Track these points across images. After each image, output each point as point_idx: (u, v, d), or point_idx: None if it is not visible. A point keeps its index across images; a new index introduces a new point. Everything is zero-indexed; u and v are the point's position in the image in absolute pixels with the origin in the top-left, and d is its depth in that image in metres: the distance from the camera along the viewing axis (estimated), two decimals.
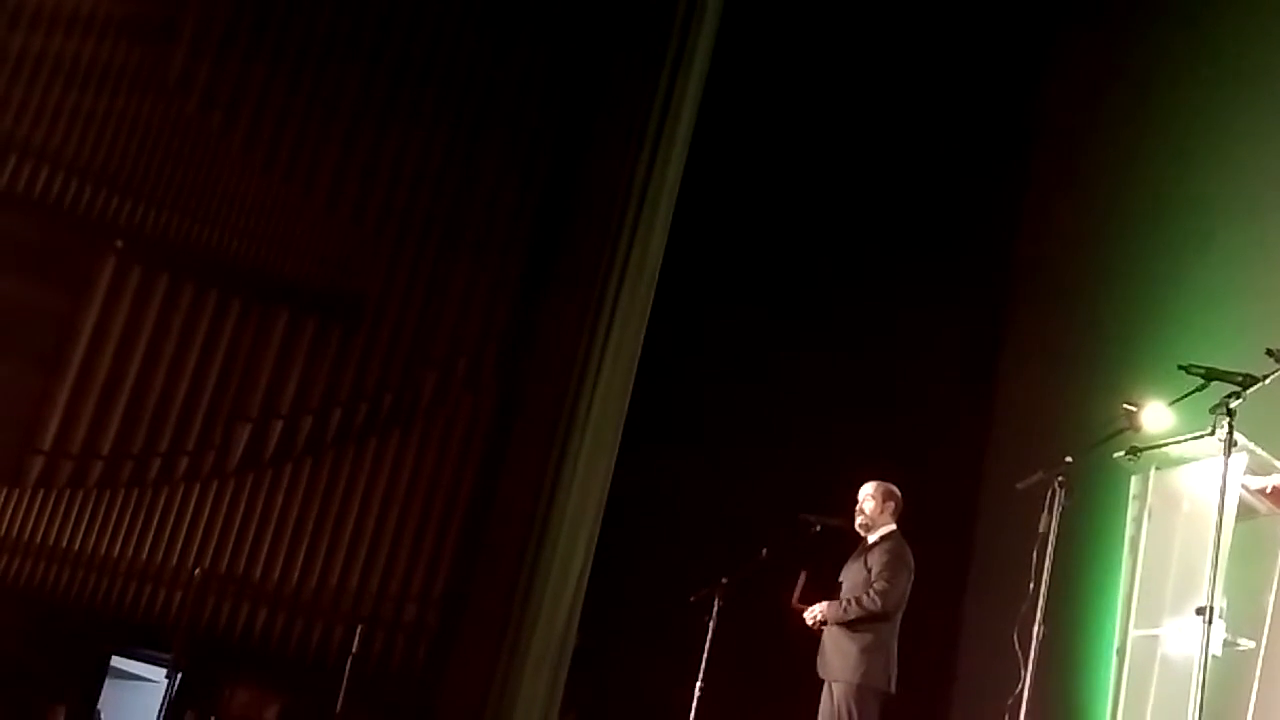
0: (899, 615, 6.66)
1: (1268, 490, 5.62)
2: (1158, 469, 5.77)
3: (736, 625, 7.47)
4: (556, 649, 9.58)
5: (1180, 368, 5.03)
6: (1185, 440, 5.47)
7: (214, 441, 9.75)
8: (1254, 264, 7.93)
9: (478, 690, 9.58)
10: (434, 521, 9.97)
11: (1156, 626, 5.65)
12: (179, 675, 8.60)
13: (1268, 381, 4.91)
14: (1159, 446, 5.60)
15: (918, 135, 10.25)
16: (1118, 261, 9.02)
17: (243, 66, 10.13)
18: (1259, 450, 5.42)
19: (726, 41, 10.44)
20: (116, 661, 9.41)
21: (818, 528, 7.04)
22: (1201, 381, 5.00)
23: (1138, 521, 5.81)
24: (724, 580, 7.47)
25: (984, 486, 9.60)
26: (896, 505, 6.86)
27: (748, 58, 10.38)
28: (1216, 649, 4.92)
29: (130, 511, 9.44)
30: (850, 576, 6.78)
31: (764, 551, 7.29)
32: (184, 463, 9.67)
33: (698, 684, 7.31)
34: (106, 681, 9.30)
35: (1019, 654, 5.30)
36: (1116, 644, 5.76)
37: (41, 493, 9.33)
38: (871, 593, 6.59)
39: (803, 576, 6.74)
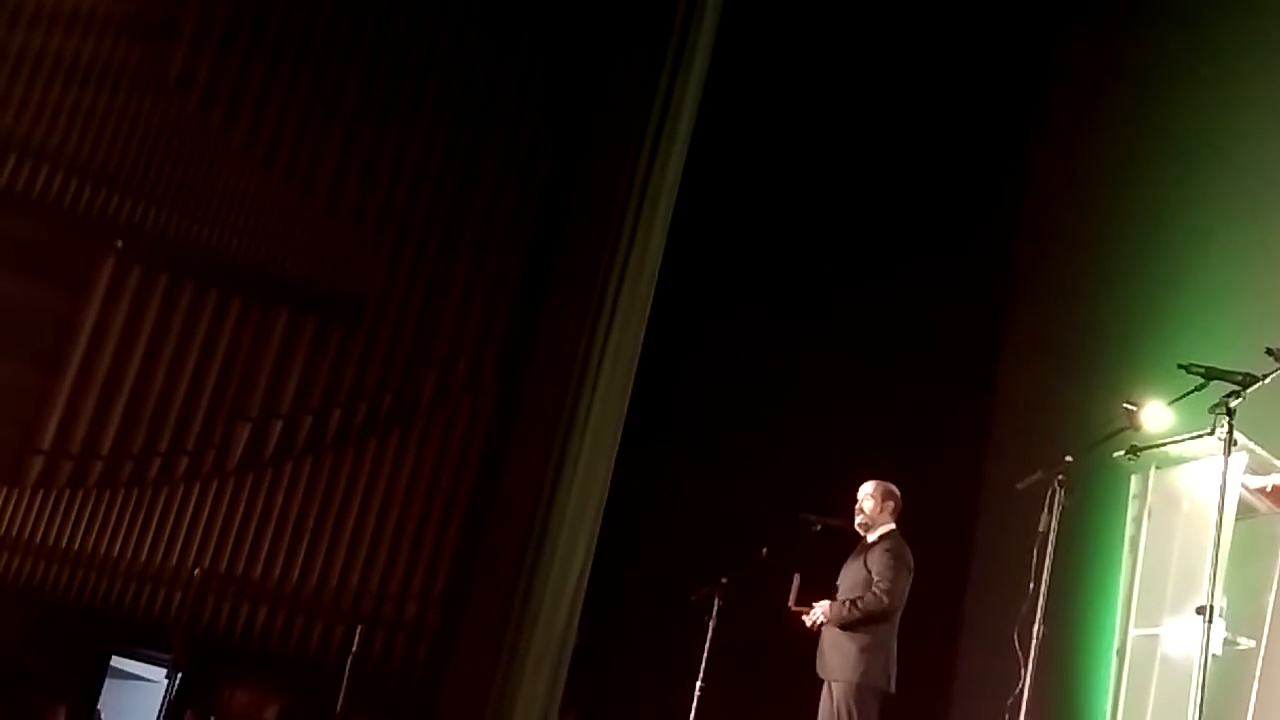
0: (898, 615, 6.65)
1: (1267, 489, 5.62)
2: (1157, 468, 5.77)
3: (736, 625, 7.47)
4: (556, 648, 9.57)
5: (1180, 367, 5.02)
6: (1185, 439, 5.47)
7: (214, 441, 9.76)
8: (1254, 264, 7.93)
9: (478, 689, 9.58)
10: (434, 521, 9.98)
11: (1156, 626, 5.65)
12: (179, 675, 8.60)
13: (1267, 381, 4.90)
14: (1159, 446, 5.59)
15: (918, 135, 10.25)
16: (1118, 261, 9.01)
17: (243, 65, 10.15)
18: (1259, 449, 5.42)
19: (726, 41, 10.44)
20: (116, 661, 9.40)
21: (818, 527, 7.04)
22: (1201, 381, 4.99)
23: (1137, 521, 5.81)
24: (724, 580, 7.48)
25: (984, 486, 9.59)
26: (896, 505, 6.85)
27: (747, 57, 10.38)
28: (1216, 648, 4.92)
29: (130, 511, 9.45)
30: (849, 576, 6.77)
31: (764, 551, 7.30)
32: (184, 462, 9.68)
33: (698, 683, 7.32)
34: (106, 681, 9.30)
35: (1019, 653, 5.29)
36: (1116, 643, 5.76)
37: (41, 492, 9.34)
38: (876, 591, 6.58)
39: (797, 579, 6.73)
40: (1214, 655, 4.83)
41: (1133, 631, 5.71)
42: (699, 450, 9.65)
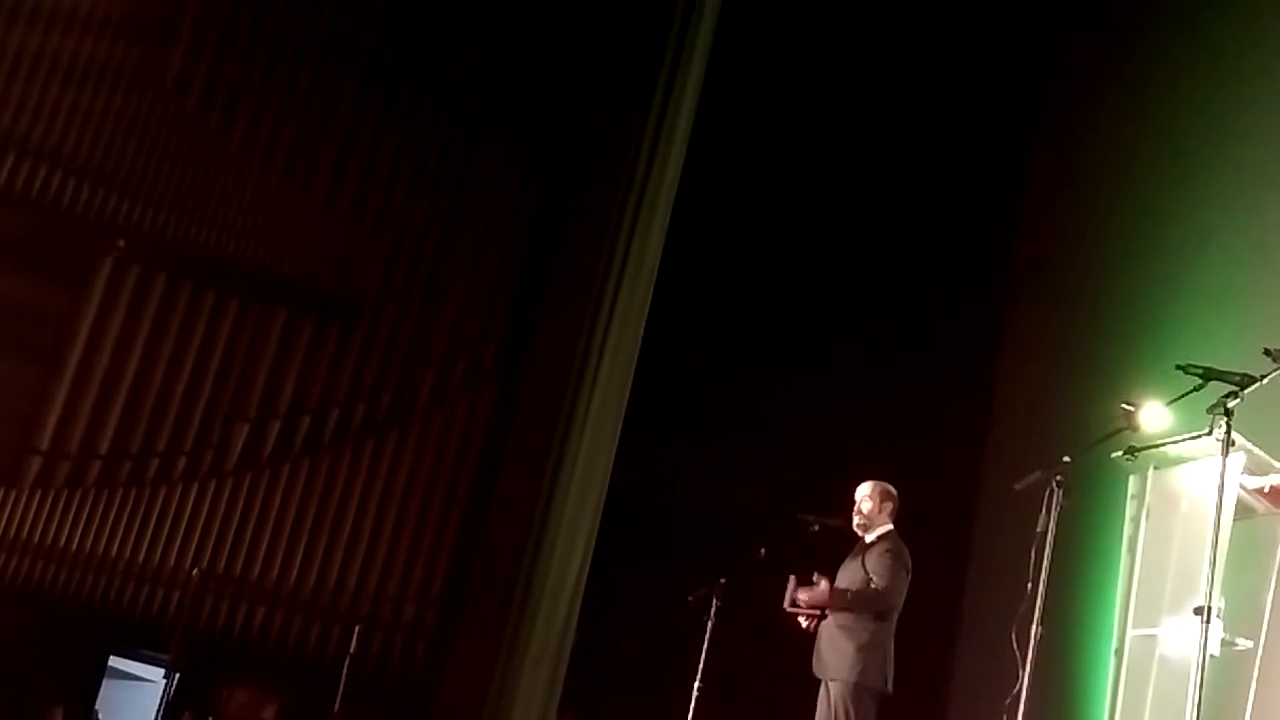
0: (895, 615, 6.64)
1: (1265, 490, 5.61)
2: (1156, 469, 5.76)
3: (735, 625, 7.47)
4: (555, 648, 9.57)
5: (1178, 368, 5.01)
6: (1183, 440, 5.46)
7: (212, 441, 9.76)
8: (1254, 264, 7.92)
9: (476, 689, 9.58)
10: (432, 521, 9.97)
11: (1155, 626, 5.64)
12: (177, 675, 8.60)
13: (1265, 381, 4.89)
14: (1157, 446, 5.59)
15: (919, 135, 10.25)
16: (1118, 261, 9.01)
17: (241, 66, 10.14)
18: (1257, 450, 5.42)
19: (725, 41, 10.44)
20: (114, 661, 9.40)
21: (816, 527, 7.03)
22: (1199, 381, 4.98)
23: (1136, 521, 5.80)
24: (722, 580, 7.47)
25: (982, 486, 9.60)
26: (894, 505, 6.85)
27: (746, 57, 10.37)
28: (1214, 649, 4.91)
29: (128, 511, 9.44)
30: (847, 576, 6.75)
31: (762, 551, 7.28)
32: (182, 462, 9.67)
33: (697, 684, 7.31)
34: (104, 681, 9.29)
35: (1017, 654, 5.28)
36: (1114, 644, 5.74)
37: (39, 492, 9.33)
38: (874, 582, 6.57)
39: (792, 581, 6.72)
40: (1212, 656, 4.82)
41: (1131, 632, 5.70)
42: (697, 450, 9.64)
